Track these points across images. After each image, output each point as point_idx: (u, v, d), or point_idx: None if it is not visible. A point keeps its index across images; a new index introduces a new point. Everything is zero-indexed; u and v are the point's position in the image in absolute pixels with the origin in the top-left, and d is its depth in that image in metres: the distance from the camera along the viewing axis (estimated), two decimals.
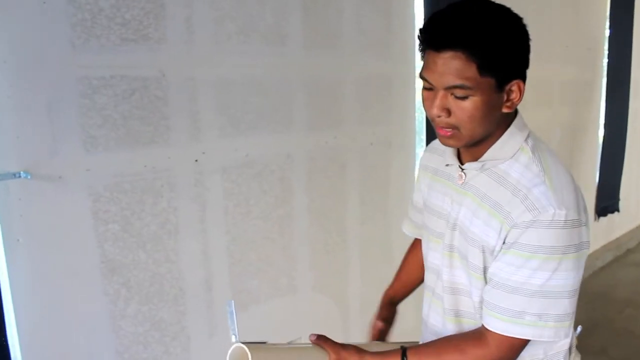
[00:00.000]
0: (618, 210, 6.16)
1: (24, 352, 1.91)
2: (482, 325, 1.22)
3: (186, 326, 2.31)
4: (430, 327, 1.43)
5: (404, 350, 1.22)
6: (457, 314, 1.33)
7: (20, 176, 1.83)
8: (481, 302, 1.24)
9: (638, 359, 3.53)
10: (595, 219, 5.79)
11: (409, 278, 1.72)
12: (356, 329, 3.05)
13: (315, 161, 2.72)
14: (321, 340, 1.26)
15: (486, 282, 1.23)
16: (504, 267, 1.16)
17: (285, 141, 2.60)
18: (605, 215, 5.98)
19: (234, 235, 2.44)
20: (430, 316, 1.43)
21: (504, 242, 1.16)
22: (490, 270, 1.20)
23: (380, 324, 1.72)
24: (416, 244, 1.71)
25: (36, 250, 1.90)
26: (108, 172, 2.06)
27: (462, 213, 1.26)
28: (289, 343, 1.28)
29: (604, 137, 5.67)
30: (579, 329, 1.38)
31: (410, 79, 3.14)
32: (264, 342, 1.21)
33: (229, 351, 1.11)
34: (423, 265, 1.58)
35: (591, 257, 5.57)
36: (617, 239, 6.40)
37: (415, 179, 1.63)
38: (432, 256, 1.41)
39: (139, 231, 2.15)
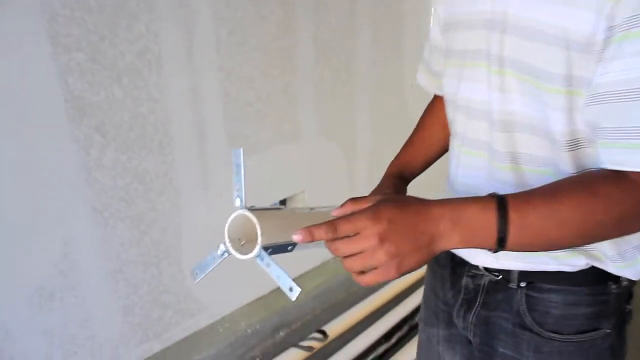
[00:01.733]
0: None
1: None
2: (605, 169, 0.75)
3: (174, 178, 1.94)
4: (459, 188, 1.00)
5: (500, 198, 0.71)
6: (515, 160, 0.89)
7: None
8: (569, 137, 0.82)
9: None
10: None
11: (426, 146, 1.24)
12: (363, 181, 2.75)
13: None
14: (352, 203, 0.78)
15: (570, 101, 0.79)
16: (636, 60, 0.71)
17: None
18: None
19: (228, 70, 2.00)
20: (459, 173, 1.00)
21: (610, 26, 0.73)
22: (603, 80, 0.74)
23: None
24: (437, 103, 1.24)
25: None
26: None
27: (514, 2, 0.83)
28: (310, 209, 0.90)
29: None
30: None
31: None
32: (278, 208, 0.86)
33: (230, 219, 0.78)
34: (446, 128, 1.15)
35: None
36: None
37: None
38: (468, 88, 0.96)
39: (111, 61, 1.69)
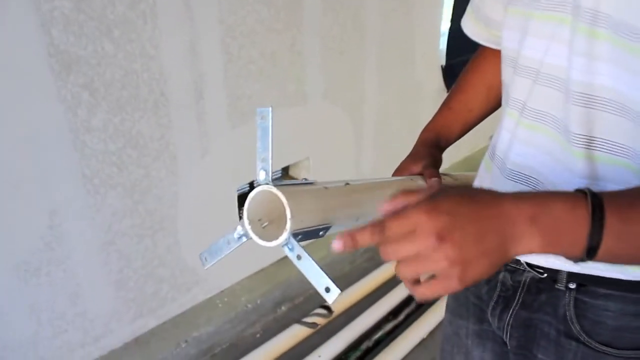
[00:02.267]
0: None
1: None
2: None
3: (171, 142, 1.78)
4: (511, 168, 0.82)
5: (593, 196, 0.54)
6: (590, 145, 0.71)
7: None
8: None
9: None
10: None
11: (466, 110, 1.05)
12: (370, 146, 2.59)
13: None
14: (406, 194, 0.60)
15: None
16: None
17: None
18: None
19: (230, 24, 1.81)
20: (514, 150, 0.82)
21: None
22: None
23: (416, 169, 0.96)
24: (483, 58, 1.06)
25: None
26: None
27: None
28: (346, 184, 0.74)
29: None
30: None
31: None
32: (308, 183, 0.69)
33: (251, 195, 0.63)
34: (493, 90, 1.02)
35: None
36: None
37: None
38: (538, 46, 0.76)
39: (100, 12, 1.50)
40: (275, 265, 2.26)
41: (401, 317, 2.18)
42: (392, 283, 2.30)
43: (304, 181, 0.69)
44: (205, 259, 0.72)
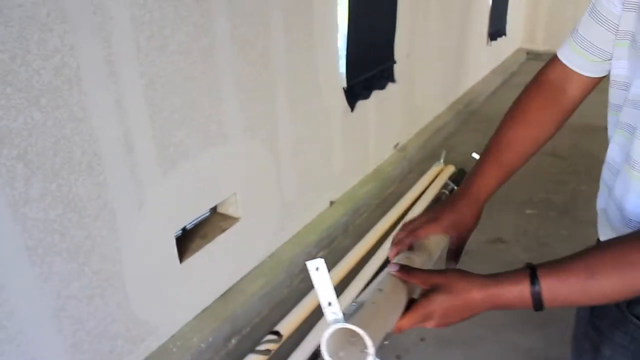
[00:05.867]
0: (505, 34, 6.44)
1: None
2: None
3: (109, 200, 1.79)
4: (628, 213, 0.84)
5: (533, 270, 0.74)
6: None
7: None
8: None
9: None
10: (487, 43, 5.94)
11: (525, 154, 1.01)
12: (290, 174, 2.72)
13: None
14: (405, 274, 0.81)
15: None
16: None
17: None
18: (495, 39, 6.15)
19: (151, 77, 1.86)
20: (630, 196, 0.83)
21: None
22: None
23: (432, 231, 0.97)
24: (541, 84, 1.01)
25: None
26: None
27: None
28: (379, 290, 0.80)
29: None
30: None
31: None
32: (361, 303, 0.75)
33: (325, 337, 0.71)
34: (561, 120, 1.00)
35: (483, 82, 5.74)
36: (503, 62, 6.73)
37: None
38: None
39: (26, 82, 1.51)
40: (218, 300, 2.30)
41: None
42: None
43: (355, 305, 0.75)
44: None
